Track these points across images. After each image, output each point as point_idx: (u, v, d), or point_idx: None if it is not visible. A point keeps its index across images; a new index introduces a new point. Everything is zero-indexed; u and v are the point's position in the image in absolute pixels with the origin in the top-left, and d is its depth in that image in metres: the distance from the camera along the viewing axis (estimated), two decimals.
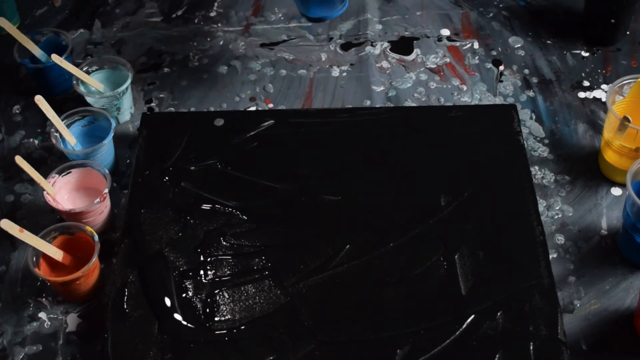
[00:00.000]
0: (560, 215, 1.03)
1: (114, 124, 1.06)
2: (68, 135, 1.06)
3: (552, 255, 0.98)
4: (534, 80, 1.19)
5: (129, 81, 1.11)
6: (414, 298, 0.92)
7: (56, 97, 1.18)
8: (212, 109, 1.17)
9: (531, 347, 0.88)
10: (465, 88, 1.18)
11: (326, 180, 1.04)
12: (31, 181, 1.06)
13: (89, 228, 0.95)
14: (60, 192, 1.02)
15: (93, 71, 1.15)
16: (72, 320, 0.95)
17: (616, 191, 1.05)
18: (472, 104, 1.16)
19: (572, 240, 1.00)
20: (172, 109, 1.18)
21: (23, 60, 1.15)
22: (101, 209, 1.00)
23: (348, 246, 0.97)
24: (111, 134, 1.05)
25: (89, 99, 1.11)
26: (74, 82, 1.11)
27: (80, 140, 1.09)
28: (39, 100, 1.03)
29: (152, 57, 1.25)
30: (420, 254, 0.96)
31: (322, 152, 1.07)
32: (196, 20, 1.31)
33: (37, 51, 1.15)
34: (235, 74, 1.22)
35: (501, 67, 1.21)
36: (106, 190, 0.99)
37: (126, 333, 0.90)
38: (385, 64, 1.23)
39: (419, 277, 0.94)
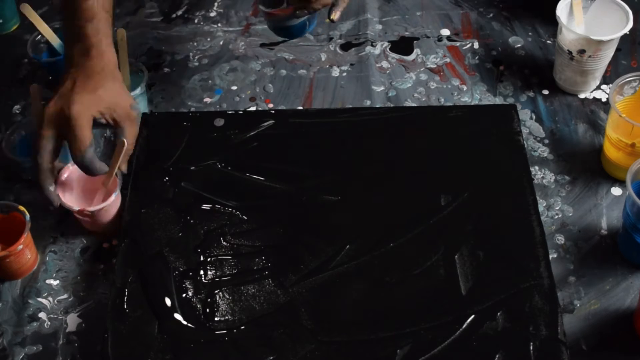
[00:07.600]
0: (560, 215, 1.03)
1: None
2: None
3: (552, 255, 0.98)
4: (534, 80, 1.19)
5: (136, 90, 1.10)
6: (414, 298, 0.92)
7: None
8: (212, 109, 1.17)
9: (531, 347, 0.87)
10: (465, 88, 1.18)
11: (326, 180, 1.04)
12: (31, 181, 1.06)
13: (21, 207, 0.96)
14: (64, 187, 1.02)
15: None
16: (72, 320, 0.95)
17: (616, 191, 1.05)
18: (472, 104, 1.16)
19: (572, 240, 1.00)
20: (172, 109, 1.18)
21: (37, 55, 1.15)
22: (111, 210, 1.00)
23: (348, 246, 0.97)
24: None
25: None
26: None
27: None
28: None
29: (152, 57, 1.25)
30: (420, 254, 0.96)
31: (322, 152, 1.07)
32: (196, 20, 1.31)
33: (56, 41, 1.15)
34: (235, 74, 1.22)
35: (501, 67, 1.21)
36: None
37: (126, 333, 0.90)
38: (385, 64, 1.23)
39: (419, 277, 0.94)
